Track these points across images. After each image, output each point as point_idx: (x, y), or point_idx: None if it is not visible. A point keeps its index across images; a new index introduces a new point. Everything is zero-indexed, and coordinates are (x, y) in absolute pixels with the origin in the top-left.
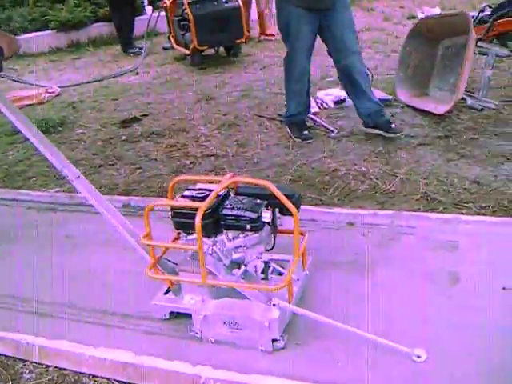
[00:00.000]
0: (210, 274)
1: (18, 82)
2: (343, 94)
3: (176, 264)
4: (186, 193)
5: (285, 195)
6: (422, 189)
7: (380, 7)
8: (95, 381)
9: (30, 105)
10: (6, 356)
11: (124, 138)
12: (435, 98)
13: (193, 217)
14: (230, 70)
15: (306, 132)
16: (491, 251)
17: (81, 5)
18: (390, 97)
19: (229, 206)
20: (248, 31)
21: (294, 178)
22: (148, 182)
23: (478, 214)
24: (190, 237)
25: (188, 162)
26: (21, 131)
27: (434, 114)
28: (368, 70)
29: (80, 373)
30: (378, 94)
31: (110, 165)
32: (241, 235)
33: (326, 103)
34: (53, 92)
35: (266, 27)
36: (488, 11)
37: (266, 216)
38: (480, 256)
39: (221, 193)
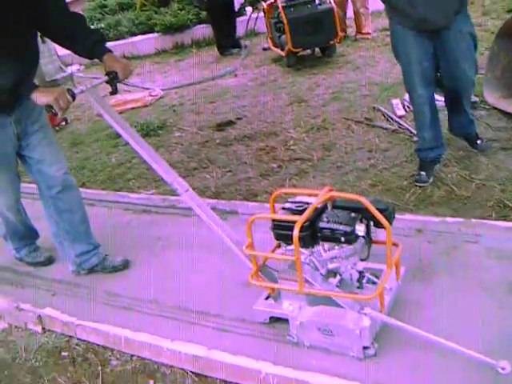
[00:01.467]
0: (307, 282)
1: (123, 84)
2: None
3: (277, 271)
4: (287, 205)
5: (378, 209)
6: (497, 195)
7: None
8: (172, 370)
9: (135, 108)
10: (97, 344)
11: (218, 141)
12: None
13: (292, 229)
14: (324, 71)
15: (423, 173)
16: None
17: (184, 8)
18: (477, 98)
19: (325, 220)
20: (343, 31)
21: (374, 183)
22: (237, 185)
23: None
24: (289, 247)
25: (275, 165)
26: (132, 147)
27: None
28: None
29: (159, 363)
30: None
31: (203, 168)
32: (336, 246)
33: None
34: (156, 95)
35: (362, 26)
36: None
37: (360, 229)
38: None
39: (319, 206)
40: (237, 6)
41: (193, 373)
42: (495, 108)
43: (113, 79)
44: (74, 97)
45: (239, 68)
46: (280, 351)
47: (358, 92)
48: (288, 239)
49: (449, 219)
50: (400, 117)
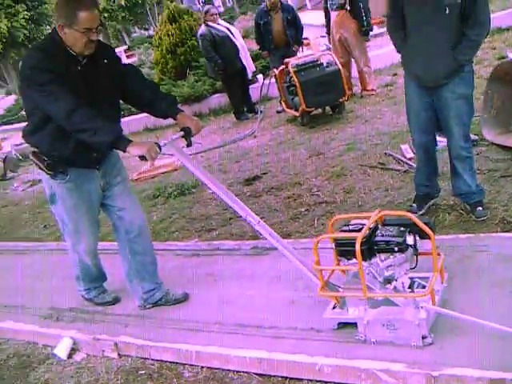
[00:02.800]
0: (369, 289)
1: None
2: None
3: (338, 286)
4: (344, 228)
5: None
6: (501, 214)
7: None
8: (239, 375)
9: (166, 172)
10: (170, 362)
11: (248, 193)
12: None
13: (352, 245)
14: (336, 127)
15: (414, 205)
16: None
17: (200, 79)
18: (476, 137)
19: (380, 234)
20: (350, 89)
21: None
22: (271, 228)
23: None
24: (350, 261)
25: (303, 209)
26: (212, 189)
27: None
28: None
29: (227, 370)
30: None
31: (238, 217)
32: (391, 256)
33: None
34: None
35: (367, 84)
36: None
37: (409, 239)
38: None
39: (372, 225)
40: (250, 74)
41: (257, 374)
42: (494, 144)
43: (188, 134)
44: (160, 148)
45: (258, 130)
46: (335, 347)
47: (370, 142)
48: (349, 254)
49: (461, 235)
50: (410, 159)
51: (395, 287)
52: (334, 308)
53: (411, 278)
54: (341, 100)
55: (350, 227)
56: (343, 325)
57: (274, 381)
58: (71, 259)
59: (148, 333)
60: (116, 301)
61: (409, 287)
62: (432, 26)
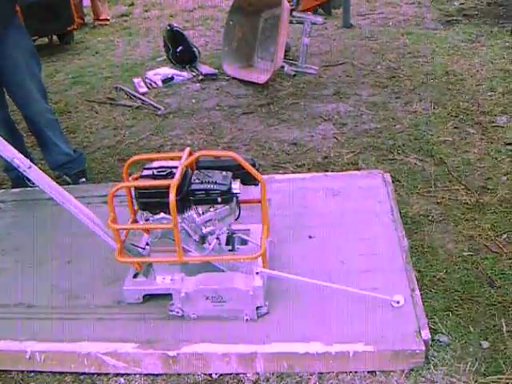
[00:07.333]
0: (183, 250)
1: None
2: (171, 71)
3: (142, 248)
4: (146, 172)
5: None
6: (243, 154)
7: None
8: None
9: None
10: None
11: None
12: (259, 68)
13: (162, 195)
14: (63, 58)
15: None
16: (300, 205)
17: None
18: (216, 71)
19: (197, 181)
20: (81, 18)
21: (123, 158)
22: None
23: (294, 173)
24: (156, 216)
25: None
26: None
27: (258, 84)
28: (195, 47)
29: None
30: (205, 70)
31: None
32: (211, 209)
33: (155, 82)
34: None
35: (100, 13)
36: None
37: (236, 187)
38: (289, 210)
39: (185, 169)
40: None
41: None
42: (234, 78)
43: None
44: None
45: None
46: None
47: (100, 75)
48: (157, 207)
49: None
50: (143, 94)
51: (213, 247)
52: (135, 276)
53: (233, 233)
54: (69, 29)
55: (155, 172)
56: (149, 297)
57: None
58: None
59: None
60: None
61: (227, 243)
62: None
